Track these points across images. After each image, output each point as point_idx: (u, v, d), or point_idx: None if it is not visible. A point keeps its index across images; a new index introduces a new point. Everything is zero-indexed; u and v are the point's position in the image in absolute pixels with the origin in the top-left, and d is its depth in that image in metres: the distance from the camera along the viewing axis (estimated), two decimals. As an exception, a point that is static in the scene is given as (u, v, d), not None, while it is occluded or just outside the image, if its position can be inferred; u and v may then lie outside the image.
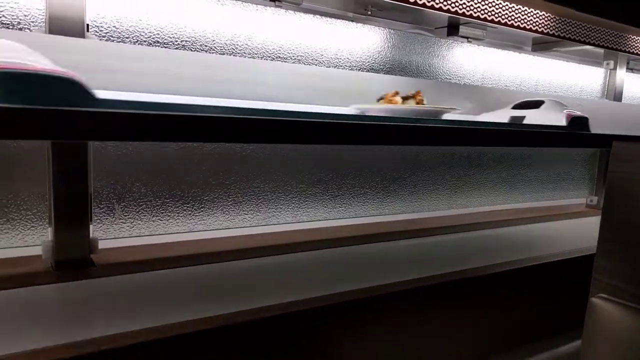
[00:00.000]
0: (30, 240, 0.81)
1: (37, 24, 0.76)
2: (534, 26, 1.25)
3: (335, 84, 1.04)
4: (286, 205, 1.08)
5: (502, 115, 1.15)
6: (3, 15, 0.75)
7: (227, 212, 1.00)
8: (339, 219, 1.17)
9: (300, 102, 0.97)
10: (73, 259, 0.78)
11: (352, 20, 1.15)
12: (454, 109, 0.97)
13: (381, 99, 0.98)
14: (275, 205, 1.07)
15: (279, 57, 1.04)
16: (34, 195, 0.81)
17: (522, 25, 1.23)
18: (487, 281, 0.89)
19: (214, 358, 0.62)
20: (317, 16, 1.08)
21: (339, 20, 1.12)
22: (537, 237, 1.18)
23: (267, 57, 1.03)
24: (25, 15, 0.76)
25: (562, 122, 1.02)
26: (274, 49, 1.03)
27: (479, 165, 1.45)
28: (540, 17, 1.25)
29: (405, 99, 0.96)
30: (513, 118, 1.11)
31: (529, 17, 1.22)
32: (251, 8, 0.99)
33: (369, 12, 1.14)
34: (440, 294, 0.83)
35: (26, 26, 0.76)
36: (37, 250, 0.77)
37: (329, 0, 1.06)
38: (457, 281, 0.85)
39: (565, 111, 1.04)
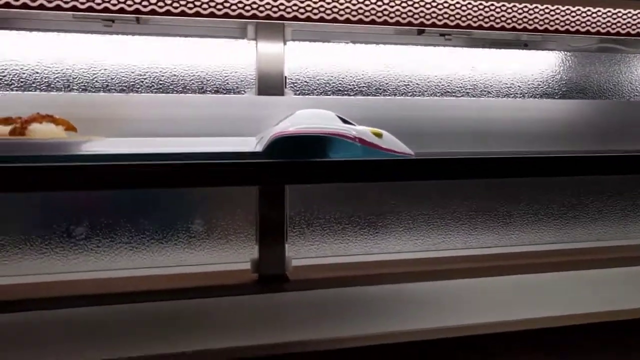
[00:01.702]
0: (242, 257, 1.01)
1: (249, 87, 0.97)
2: None
3: (502, 114, 1.07)
4: (455, 232, 1.13)
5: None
6: (227, 83, 0.97)
7: (399, 237, 1.10)
8: (511, 246, 1.17)
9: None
10: (272, 274, 0.96)
11: (525, 45, 1.15)
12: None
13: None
14: (445, 232, 1.13)
15: (447, 91, 1.11)
16: (245, 221, 1.01)
17: None
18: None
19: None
20: (487, 48, 1.12)
21: (509, 49, 1.14)
22: None
23: (437, 93, 1.10)
24: (241, 81, 0.98)
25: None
26: (444, 83, 1.10)
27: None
28: None
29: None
30: None
31: None
32: (426, 50, 1.08)
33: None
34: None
35: (242, 90, 0.98)
36: (246, 266, 0.97)
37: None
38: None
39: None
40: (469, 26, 0.97)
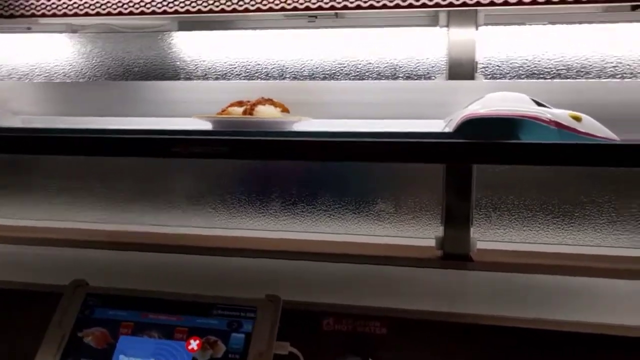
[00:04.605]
0: (427, 234, 1.05)
1: (440, 72, 1.01)
2: None
3: None
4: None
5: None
6: (418, 69, 1.03)
7: (599, 230, 1.02)
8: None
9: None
10: (456, 253, 0.98)
11: None
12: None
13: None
14: (656, 228, 1.01)
15: None
16: (432, 201, 1.05)
17: None
18: None
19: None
20: None
21: None
22: None
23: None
24: (432, 67, 1.02)
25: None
26: None
27: None
28: None
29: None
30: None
31: None
32: None
33: None
34: None
35: (433, 76, 1.02)
36: (430, 242, 1.01)
37: None
38: None
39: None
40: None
